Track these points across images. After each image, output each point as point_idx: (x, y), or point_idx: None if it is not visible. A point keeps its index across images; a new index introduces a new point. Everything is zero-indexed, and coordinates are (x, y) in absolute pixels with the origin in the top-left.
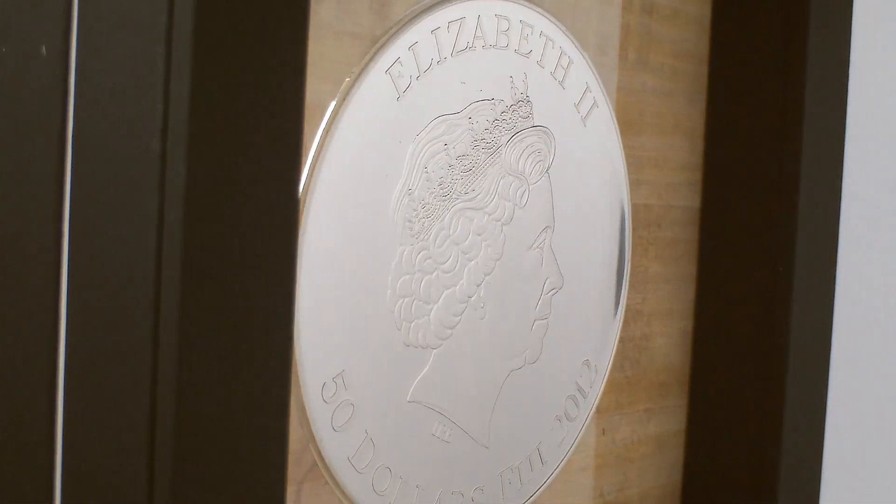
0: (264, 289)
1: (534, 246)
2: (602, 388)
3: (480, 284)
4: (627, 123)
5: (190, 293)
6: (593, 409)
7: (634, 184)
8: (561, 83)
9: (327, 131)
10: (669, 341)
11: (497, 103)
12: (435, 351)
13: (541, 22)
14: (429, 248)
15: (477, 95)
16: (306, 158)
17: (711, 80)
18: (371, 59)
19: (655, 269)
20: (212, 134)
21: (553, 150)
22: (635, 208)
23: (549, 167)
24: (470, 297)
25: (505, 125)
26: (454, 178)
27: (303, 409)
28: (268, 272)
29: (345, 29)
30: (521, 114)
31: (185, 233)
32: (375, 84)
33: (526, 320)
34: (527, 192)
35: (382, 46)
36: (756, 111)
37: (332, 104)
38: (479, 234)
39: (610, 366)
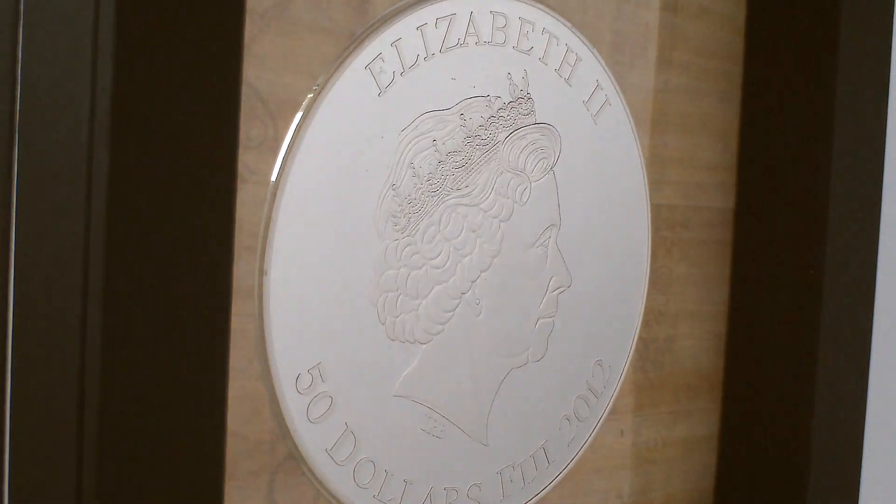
0: (195, 278)
1: (536, 244)
2: (618, 389)
3: (475, 281)
4: (647, 122)
5: (114, 282)
6: (607, 409)
7: (656, 183)
8: (567, 80)
9: (300, 125)
10: (698, 343)
11: (493, 100)
12: (424, 346)
13: (543, 19)
14: (416, 243)
15: (470, 92)
16: (278, 152)
17: (746, 79)
18: (348, 55)
19: (681, 270)
20: (138, 123)
21: (558, 147)
22: (657, 208)
23: (553, 165)
24: (464, 294)
25: (502, 122)
26: (444, 174)
27: (275, 400)
28: (200, 264)
29: (319, 25)
30: (521, 111)
31: (110, 219)
32: (354, 80)
33: (529, 318)
34: (528, 190)
35: (361, 42)
36: (791, 111)
37: (306, 99)
38: (474, 231)
39: (627, 367)
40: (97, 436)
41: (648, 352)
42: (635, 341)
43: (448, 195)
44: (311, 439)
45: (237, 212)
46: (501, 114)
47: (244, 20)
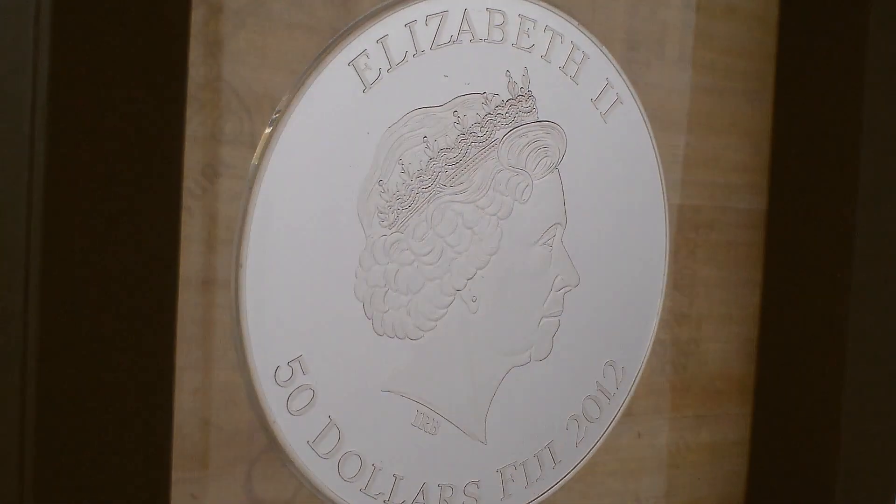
0: (138, 271)
1: (539, 242)
2: (633, 391)
3: (472, 278)
4: (666, 121)
5: (54, 276)
6: (621, 411)
7: (677, 184)
8: (573, 78)
9: (278, 121)
10: (726, 347)
11: (490, 97)
12: (415, 342)
13: (545, 16)
14: (406, 239)
15: (464, 89)
16: (255, 147)
17: (778, 79)
18: (330, 51)
19: (707, 272)
20: (77, 116)
21: (562, 145)
22: (679, 209)
23: (557, 163)
24: (459, 290)
25: (501, 119)
26: (436, 170)
27: (253, 391)
28: (143, 257)
29: (299, 22)
30: (521, 108)
31: (48, 213)
32: (336, 76)
33: (531, 317)
34: (529, 188)
35: (344, 39)
36: (824, 111)
37: (285, 95)
38: (470, 228)
39: (644, 368)
40: (36, 429)
41: (669, 354)
42: (652, 343)
43: (440, 192)
44: (292, 431)
45: (211, 205)
46: (500, 111)
47: (190, 10)
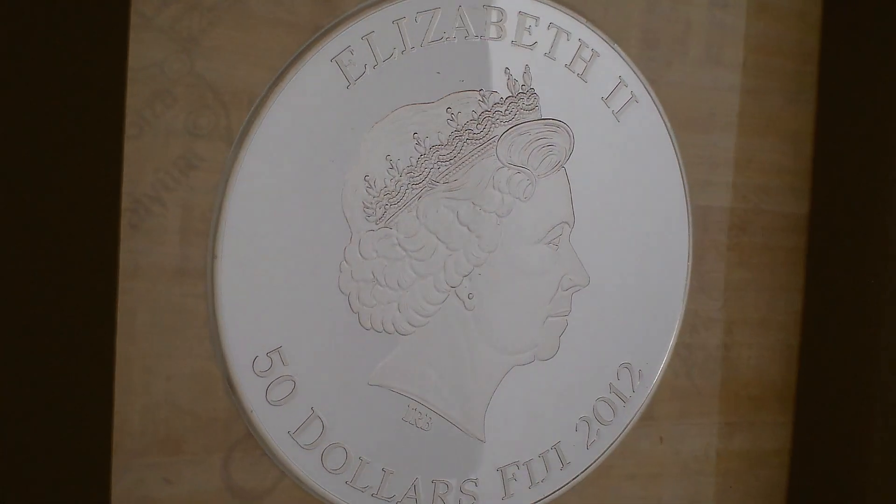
0: (75, 262)
1: (544, 241)
2: (653, 395)
3: (468, 275)
4: (690, 121)
5: None
6: (639, 415)
7: (701, 184)
8: (581, 76)
9: (255, 115)
10: (763, 353)
11: (488, 95)
12: (405, 337)
13: (549, 13)
14: (395, 234)
15: (458, 86)
16: (231, 141)
17: (821, 80)
18: (311, 47)
19: (739, 275)
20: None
21: (568, 144)
22: (704, 210)
23: (562, 161)
24: (454, 287)
25: (500, 117)
26: (427, 166)
27: (230, 380)
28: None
29: (279, 18)
30: (522, 106)
31: None
32: (318, 71)
33: (534, 315)
34: (531, 186)
35: (326, 35)
36: (869, 113)
37: (263, 90)
38: (466, 225)
39: (665, 372)
40: None
41: (696, 358)
42: (675, 346)
43: (433, 188)
44: (272, 421)
45: (186, 197)
46: (498, 109)
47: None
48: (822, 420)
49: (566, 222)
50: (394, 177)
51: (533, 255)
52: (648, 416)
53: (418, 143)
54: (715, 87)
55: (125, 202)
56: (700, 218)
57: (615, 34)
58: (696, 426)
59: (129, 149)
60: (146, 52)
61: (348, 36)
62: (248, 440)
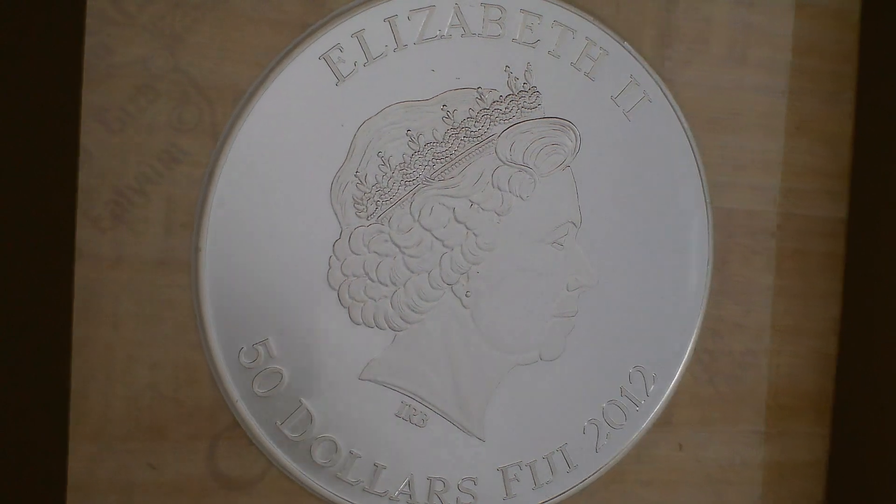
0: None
1: (547, 240)
2: (669, 400)
3: (465, 273)
4: (711, 121)
5: None
6: (655, 420)
7: (723, 186)
8: (588, 75)
9: (240, 111)
10: (795, 361)
11: (486, 92)
12: (398, 333)
13: (553, 11)
14: (388, 231)
15: (454, 83)
16: (215, 136)
17: (861, 81)
18: (299, 45)
19: (767, 281)
20: None
21: (575, 142)
22: (726, 212)
23: (567, 160)
24: (451, 285)
25: (499, 115)
26: (421, 163)
27: (215, 370)
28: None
29: (266, 17)
30: (523, 104)
31: None
32: (306, 69)
33: (538, 315)
34: (533, 185)
35: (314, 33)
36: None
37: (250, 86)
38: (463, 223)
39: (683, 377)
40: None
41: (720, 365)
42: (693, 351)
43: (427, 185)
44: (258, 411)
45: (169, 190)
46: (497, 107)
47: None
48: (861, 431)
49: (572, 222)
50: (385, 173)
51: (536, 254)
52: (666, 422)
53: (412, 140)
54: (739, 87)
55: (108, 194)
56: (723, 220)
57: (627, 33)
58: (720, 434)
59: (113, 142)
60: (129, 49)
61: (337, 34)
62: (235, 429)
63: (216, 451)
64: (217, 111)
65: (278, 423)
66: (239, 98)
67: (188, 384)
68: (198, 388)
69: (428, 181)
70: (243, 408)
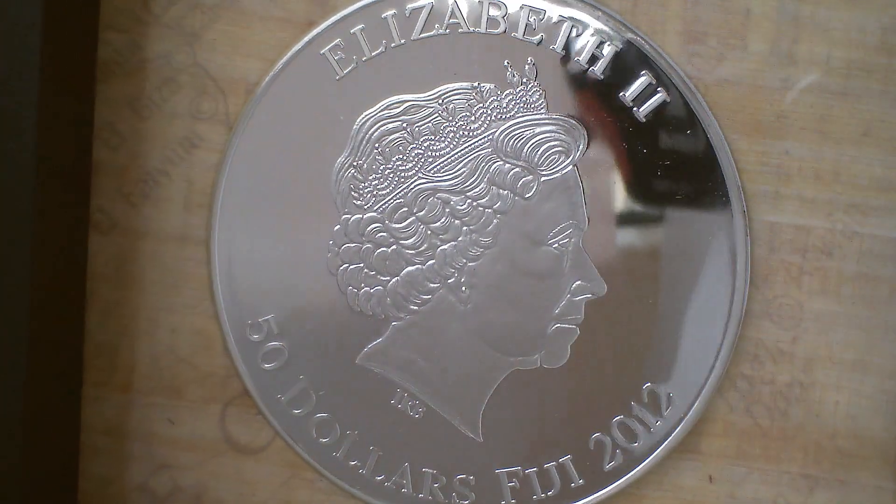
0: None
1: (549, 242)
2: (691, 426)
3: (461, 269)
4: (749, 125)
5: None
6: (674, 445)
7: (767, 197)
8: (598, 72)
9: (250, 102)
10: (859, 401)
11: (484, 88)
12: (395, 323)
13: (558, 6)
14: (384, 221)
15: (451, 79)
16: (229, 125)
17: None
18: (302, 41)
19: (822, 306)
20: None
21: (580, 142)
22: (772, 226)
23: (572, 160)
24: (448, 280)
25: (497, 112)
26: (417, 157)
27: (226, 340)
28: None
29: (273, 15)
30: (524, 101)
31: None
32: (309, 64)
33: (538, 319)
34: (533, 184)
35: (317, 31)
36: None
37: (259, 80)
38: (460, 218)
39: (712, 403)
40: None
41: (759, 394)
42: (725, 376)
43: (424, 179)
44: (264, 384)
45: (188, 172)
46: (496, 103)
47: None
48: None
49: (577, 225)
50: (382, 165)
51: (537, 256)
52: (693, 450)
53: (409, 134)
54: (784, 87)
55: (138, 173)
56: (764, 234)
57: (646, 27)
58: (760, 471)
59: (143, 127)
60: (155, 45)
61: (338, 31)
62: (244, 398)
63: (227, 416)
64: (230, 102)
65: (282, 397)
66: (249, 90)
67: (203, 350)
68: (212, 356)
69: (424, 175)
70: (251, 379)
